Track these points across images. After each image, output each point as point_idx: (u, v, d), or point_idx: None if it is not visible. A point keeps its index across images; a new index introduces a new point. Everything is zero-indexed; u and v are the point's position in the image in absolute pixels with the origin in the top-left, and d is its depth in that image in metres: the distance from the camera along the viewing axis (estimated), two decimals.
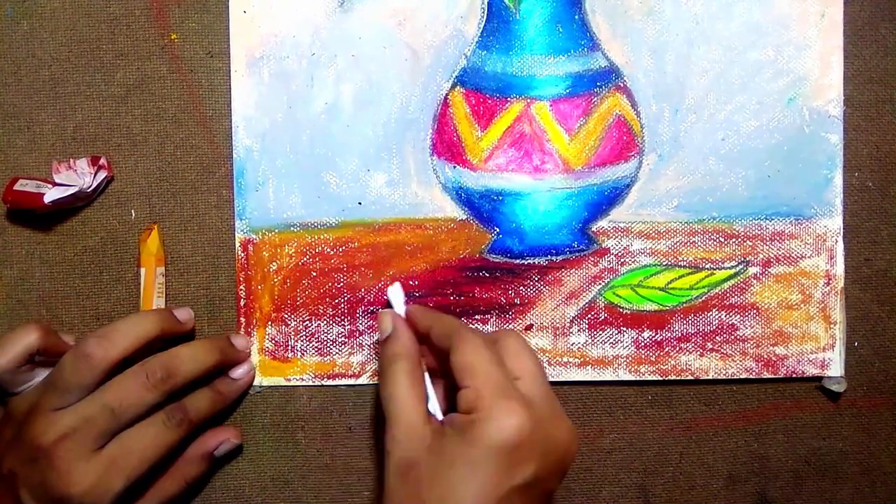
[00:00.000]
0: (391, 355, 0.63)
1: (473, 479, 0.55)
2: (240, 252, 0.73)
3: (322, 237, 0.73)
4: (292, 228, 0.73)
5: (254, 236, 0.73)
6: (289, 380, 0.74)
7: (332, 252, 0.73)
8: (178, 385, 0.66)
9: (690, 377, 0.73)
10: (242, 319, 0.73)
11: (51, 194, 0.69)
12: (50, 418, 0.63)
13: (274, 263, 0.73)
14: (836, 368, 0.74)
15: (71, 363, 0.63)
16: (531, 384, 0.59)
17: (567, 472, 0.59)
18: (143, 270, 0.72)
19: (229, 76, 0.73)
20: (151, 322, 0.67)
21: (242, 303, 0.73)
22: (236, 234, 0.73)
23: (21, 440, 0.63)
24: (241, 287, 0.73)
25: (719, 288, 0.74)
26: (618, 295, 0.73)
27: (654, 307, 0.73)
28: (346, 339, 0.73)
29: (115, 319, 0.66)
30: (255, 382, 0.73)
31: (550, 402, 0.59)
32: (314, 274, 0.73)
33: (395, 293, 0.69)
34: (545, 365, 0.73)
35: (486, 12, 0.72)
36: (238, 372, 0.72)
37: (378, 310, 0.73)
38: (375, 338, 0.73)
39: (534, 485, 0.56)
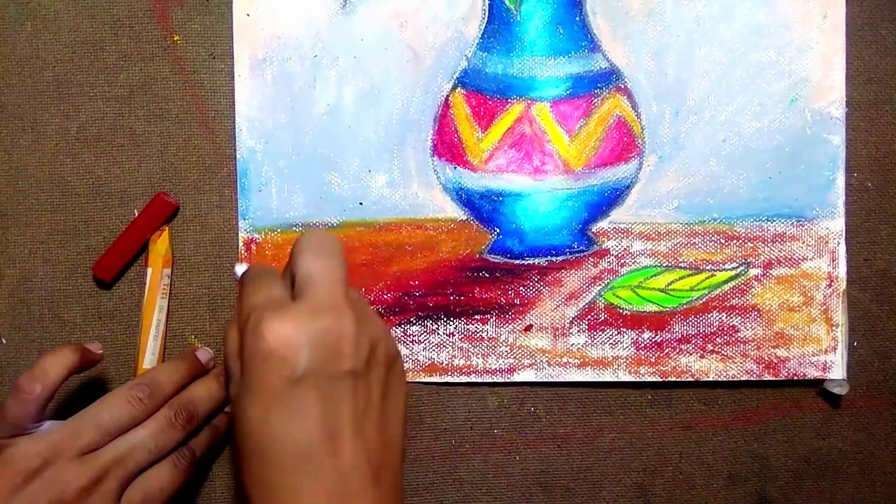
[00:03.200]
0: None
1: (250, 393, 0.56)
2: (243, 252, 0.73)
3: None
4: (295, 228, 0.73)
5: (257, 236, 0.73)
6: None
7: None
8: (200, 422, 0.69)
9: (690, 379, 0.73)
10: None
11: None
12: (77, 466, 0.63)
13: (276, 263, 0.73)
14: (837, 371, 0.73)
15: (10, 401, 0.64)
16: (306, 284, 0.58)
17: (357, 353, 0.57)
18: (149, 270, 0.73)
19: (232, 77, 0.73)
20: (69, 355, 0.66)
21: None
22: (239, 234, 0.73)
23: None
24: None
25: (720, 289, 0.74)
26: (618, 296, 0.74)
27: (654, 308, 0.74)
28: None
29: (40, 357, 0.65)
30: None
31: (320, 297, 0.57)
32: None
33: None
34: (545, 366, 0.73)
35: (486, 14, 0.72)
36: None
37: (377, 309, 0.73)
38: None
39: (312, 373, 0.55)
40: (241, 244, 0.73)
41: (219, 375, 0.71)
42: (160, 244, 0.73)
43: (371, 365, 0.58)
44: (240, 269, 0.62)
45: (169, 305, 0.74)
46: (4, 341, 0.74)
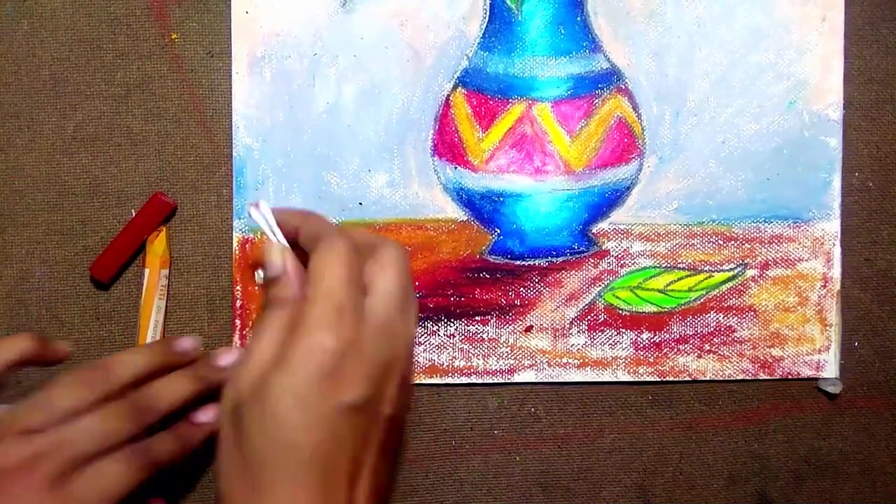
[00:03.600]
0: (275, 299, 0.59)
1: (293, 405, 0.53)
2: (237, 251, 0.73)
3: None
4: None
5: (252, 236, 0.73)
6: None
7: None
8: (159, 417, 0.64)
9: (688, 378, 0.74)
10: (238, 321, 0.73)
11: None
12: (16, 444, 0.59)
13: None
14: (830, 370, 0.74)
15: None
16: (377, 301, 0.56)
17: (397, 395, 0.57)
18: (147, 271, 0.72)
19: (230, 76, 0.73)
20: (25, 342, 0.64)
21: (238, 304, 0.73)
22: (234, 234, 0.73)
23: None
24: (238, 287, 0.73)
25: (717, 290, 0.74)
26: (617, 297, 0.74)
27: (653, 309, 0.74)
28: None
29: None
30: None
31: (389, 320, 0.56)
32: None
33: (263, 213, 0.62)
34: (545, 367, 0.73)
35: (488, 13, 0.72)
36: (202, 417, 0.68)
37: None
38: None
39: (364, 407, 0.54)
40: (235, 244, 0.73)
41: (196, 371, 0.67)
42: (157, 245, 0.72)
43: (383, 384, 0.57)
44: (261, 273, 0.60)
45: (167, 306, 0.73)
46: None
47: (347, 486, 0.55)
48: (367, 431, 0.55)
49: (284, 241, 0.61)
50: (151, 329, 0.72)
